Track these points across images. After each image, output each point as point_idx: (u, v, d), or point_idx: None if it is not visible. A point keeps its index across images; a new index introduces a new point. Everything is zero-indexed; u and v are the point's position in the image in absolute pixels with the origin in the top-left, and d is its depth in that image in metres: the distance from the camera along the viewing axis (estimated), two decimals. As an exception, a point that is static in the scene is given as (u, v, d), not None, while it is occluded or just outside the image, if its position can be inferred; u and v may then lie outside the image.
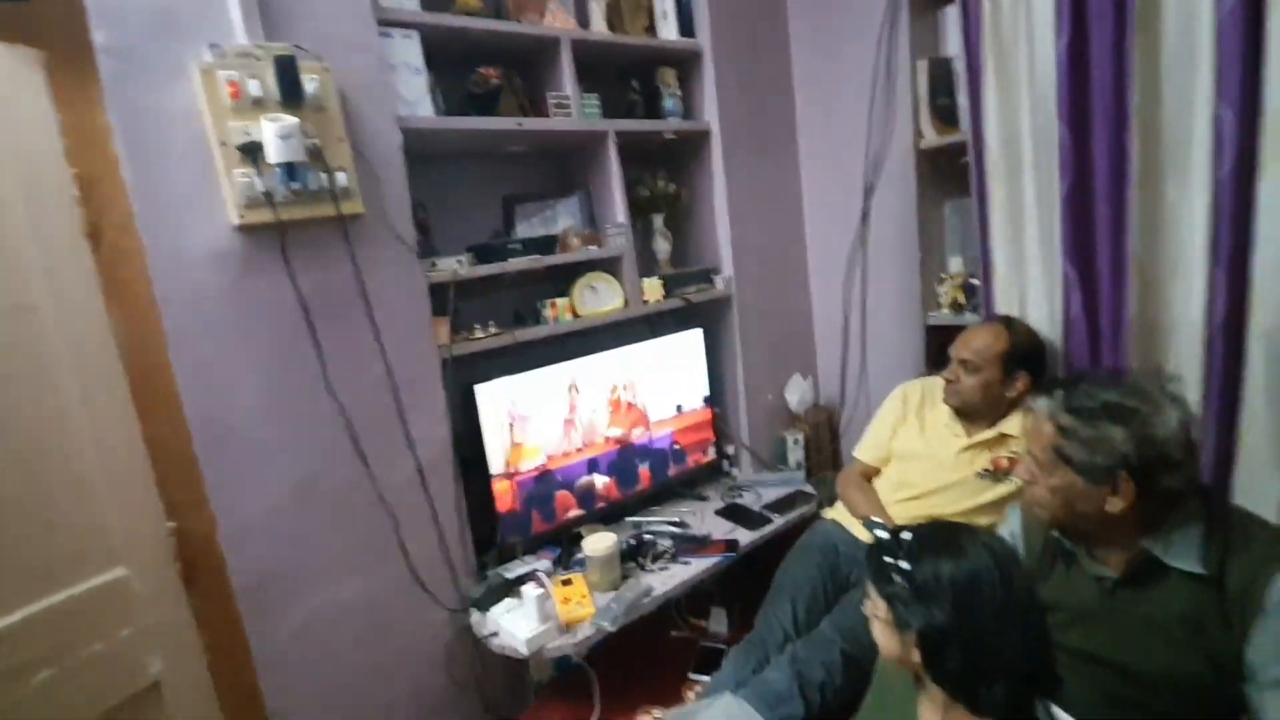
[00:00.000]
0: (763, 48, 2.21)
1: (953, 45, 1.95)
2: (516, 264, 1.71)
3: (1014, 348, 1.58)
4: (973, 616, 0.79)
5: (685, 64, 2.10)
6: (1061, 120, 1.55)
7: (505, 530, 1.73)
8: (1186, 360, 1.48)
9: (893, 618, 0.84)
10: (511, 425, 1.73)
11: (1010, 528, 1.24)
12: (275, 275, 1.33)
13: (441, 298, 1.58)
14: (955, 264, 2.04)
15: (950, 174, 1.93)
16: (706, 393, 2.14)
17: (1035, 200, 1.64)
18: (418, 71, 1.54)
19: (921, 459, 1.68)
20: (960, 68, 1.78)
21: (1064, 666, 1.10)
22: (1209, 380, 1.45)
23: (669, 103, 2.06)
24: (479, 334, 1.68)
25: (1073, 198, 1.57)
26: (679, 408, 2.09)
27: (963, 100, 1.78)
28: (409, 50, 1.53)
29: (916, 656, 0.83)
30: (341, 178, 1.35)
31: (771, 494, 2.05)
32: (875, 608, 0.88)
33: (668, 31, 2.01)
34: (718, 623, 1.85)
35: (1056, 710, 0.85)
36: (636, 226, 2.03)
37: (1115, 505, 0.98)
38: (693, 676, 1.65)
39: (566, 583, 1.61)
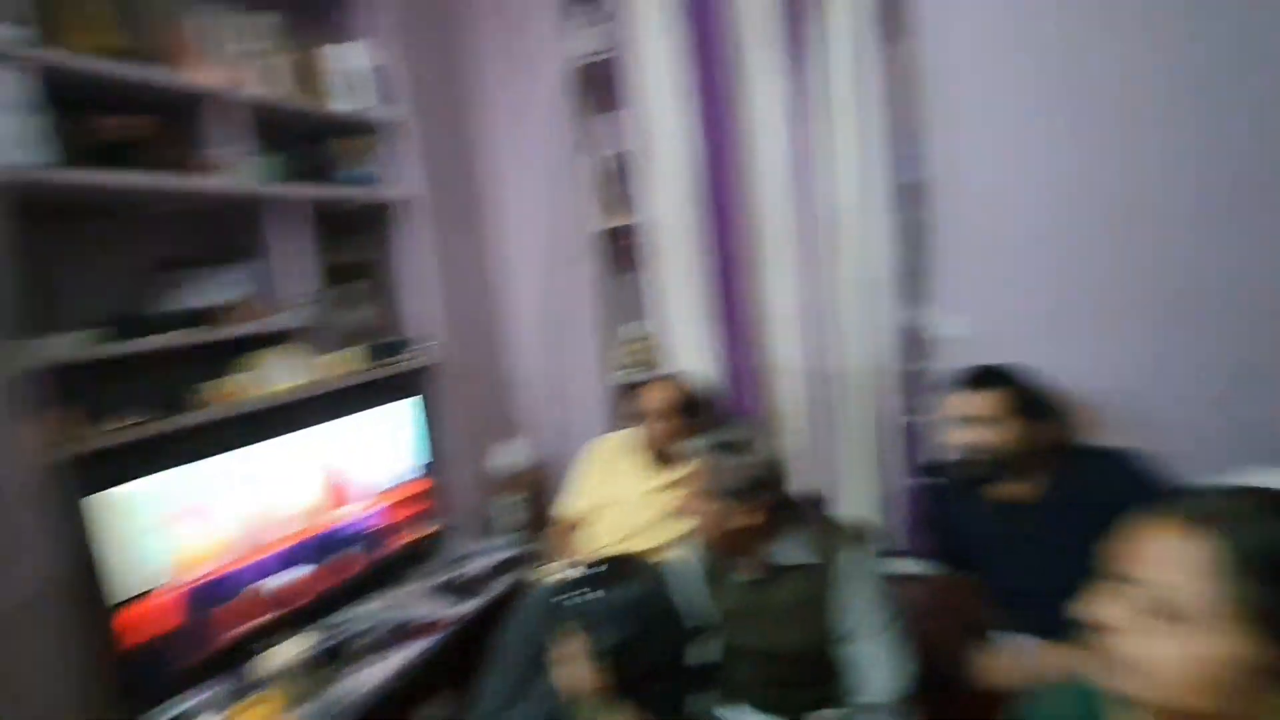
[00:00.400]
0: (461, 123, 2.32)
1: (624, 140, 2.29)
2: (167, 339, 1.47)
3: (684, 397, 1.85)
4: (649, 628, 0.91)
5: (378, 132, 2.09)
6: (703, 211, 1.94)
7: (160, 662, 1.41)
8: (795, 396, 1.91)
9: (590, 646, 0.91)
10: (175, 529, 1.44)
11: (689, 554, 1.42)
12: None
13: (63, 383, 1.28)
14: (637, 328, 2.32)
15: (628, 250, 2.23)
16: (420, 464, 2.06)
17: (690, 273, 2.00)
18: (21, 111, 1.28)
19: (620, 505, 1.84)
20: (628, 162, 2.10)
21: (734, 661, 1.29)
22: (812, 411, 1.89)
23: (359, 170, 2.02)
24: (118, 425, 1.39)
25: (715, 272, 1.95)
26: (389, 483, 1.97)
27: (633, 189, 2.10)
28: (4, 86, 1.26)
29: (608, 677, 0.90)
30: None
31: (488, 561, 2.03)
32: (570, 647, 0.93)
33: (357, 100, 1.99)
34: (440, 707, 1.73)
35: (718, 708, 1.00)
36: (331, 295, 1.91)
37: (744, 520, 1.21)
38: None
39: (248, 708, 1.37)
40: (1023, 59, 1.61)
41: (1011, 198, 1.68)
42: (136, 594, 1.38)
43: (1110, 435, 1.53)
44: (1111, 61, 1.53)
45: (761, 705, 1.27)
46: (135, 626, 1.38)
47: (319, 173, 1.95)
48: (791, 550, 1.23)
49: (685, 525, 1.75)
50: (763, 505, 1.21)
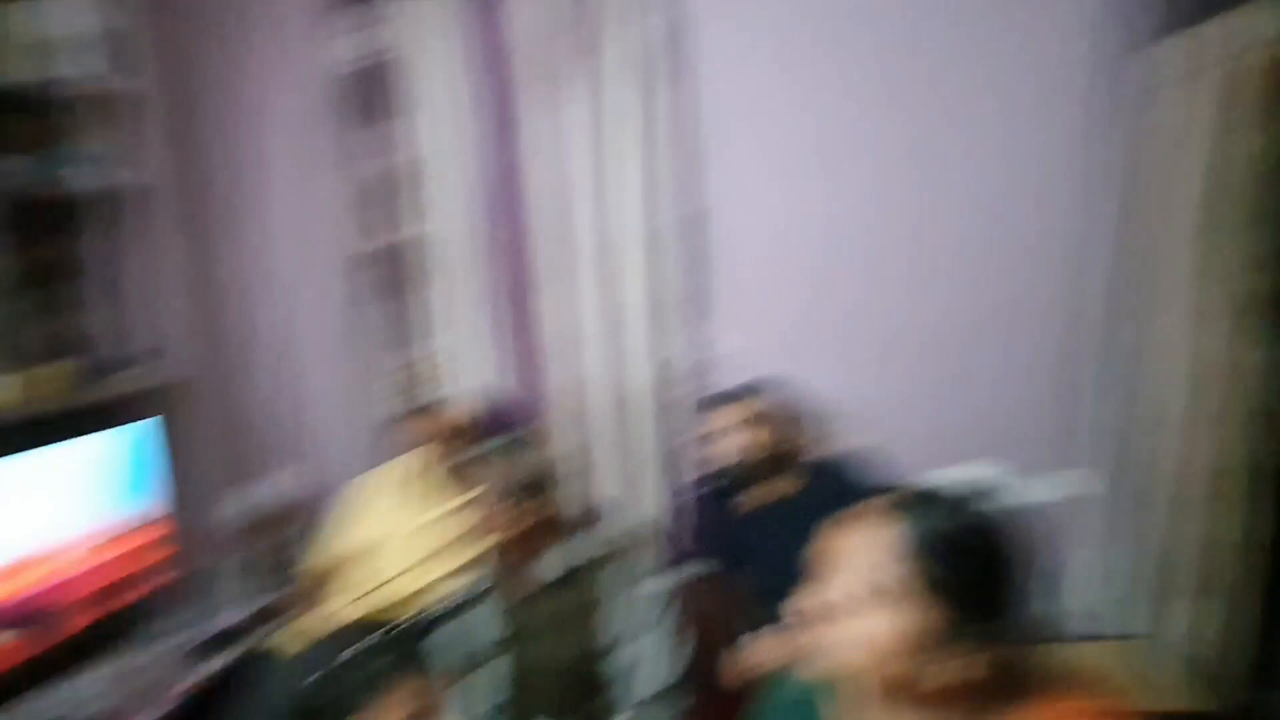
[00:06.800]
0: (210, 107, 2.01)
1: (395, 153, 2.06)
2: None
3: (463, 421, 1.79)
4: None
5: (108, 107, 1.74)
6: (486, 229, 1.90)
7: None
8: (580, 415, 1.93)
9: None
10: None
11: (472, 582, 1.38)
12: None
13: None
14: (411, 352, 2.11)
15: (399, 270, 2.05)
16: (151, 503, 1.73)
17: (471, 293, 1.95)
18: None
19: (391, 542, 1.72)
20: (399, 176, 1.97)
21: (523, 681, 1.29)
22: (599, 429, 1.93)
23: (80, 149, 1.67)
24: None
25: (499, 292, 1.92)
26: (106, 529, 1.63)
27: (404, 205, 1.97)
28: None
29: None
30: None
31: (229, 619, 1.77)
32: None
33: (72, 67, 1.65)
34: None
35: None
36: (27, 299, 1.55)
37: (530, 520, 1.25)
38: None
39: None
40: (786, 113, 1.81)
41: (780, 233, 1.84)
42: None
43: (849, 440, 1.76)
44: (864, 123, 1.75)
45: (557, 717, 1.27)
46: None
47: (19, 149, 1.57)
48: (557, 563, 1.25)
49: (468, 552, 1.69)
50: (541, 508, 1.23)
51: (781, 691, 0.87)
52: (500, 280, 1.92)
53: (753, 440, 1.53)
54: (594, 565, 1.26)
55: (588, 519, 1.35)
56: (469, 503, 1.73)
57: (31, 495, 1.47)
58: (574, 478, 1.32)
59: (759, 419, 1.55)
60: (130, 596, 1.67)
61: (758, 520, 1.59)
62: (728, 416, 1.56)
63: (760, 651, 1.42)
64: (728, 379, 1.69)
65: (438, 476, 1.74)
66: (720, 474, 1.61)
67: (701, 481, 1.78)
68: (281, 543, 2.04)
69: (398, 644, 0.88)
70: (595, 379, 1.90)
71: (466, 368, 1.99)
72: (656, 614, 1.26)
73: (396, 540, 1.71)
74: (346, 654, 0.84)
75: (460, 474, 1.75)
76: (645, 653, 1.23)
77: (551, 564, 1.25)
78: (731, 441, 1.54)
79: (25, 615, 1.44)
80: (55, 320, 1.67)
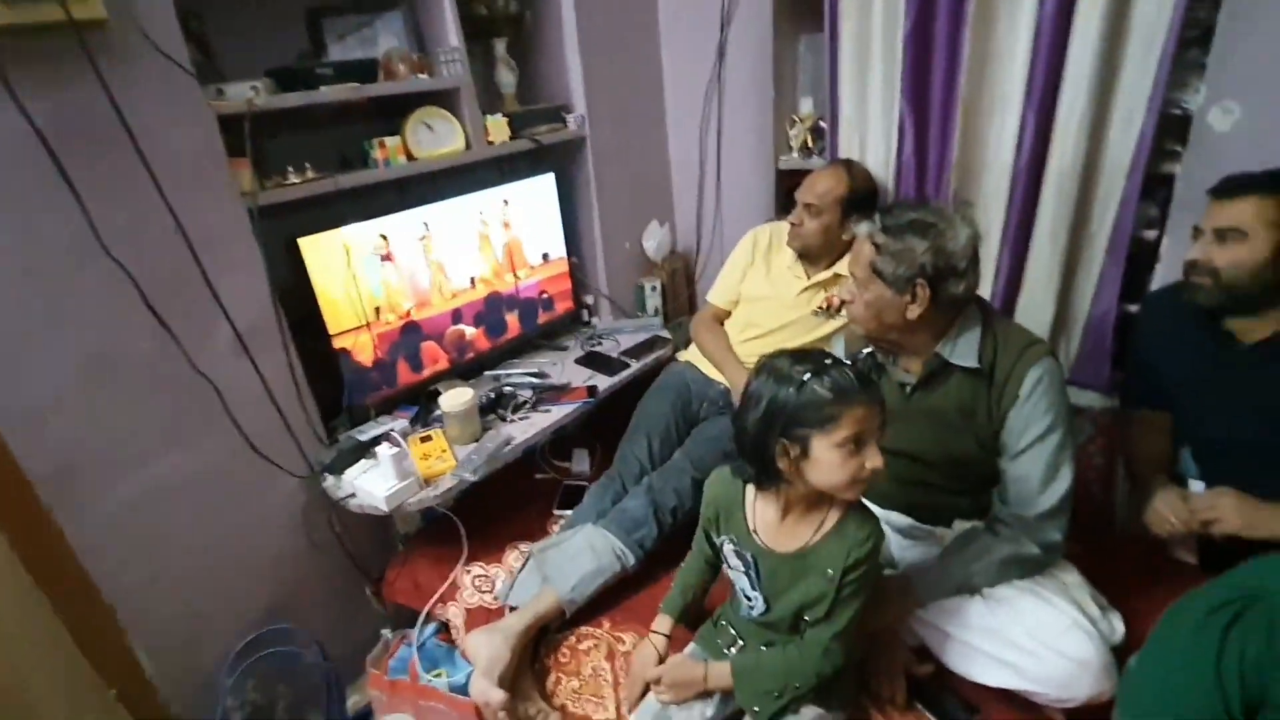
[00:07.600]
0: None
1: None
2: (330, 93, 1.46)
3: (852, 192, 1.64)
4: None
5: None
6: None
7: (354, 391, 1.64)
8: (994, 197, 1.63)
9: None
10: (353, 280, 1.58)
11: (836, 354, 1.36)
12: (-7, 99, 1.03)
13: (237, 135, 1.33)
14: (806, 106, 2.03)
15: (806, 6, 1.86)
16: (561, 240, 2.07)
17: (881, 38, 1.64)
18: None
19: (766, 300, 1.78)
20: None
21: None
22: (1009, 215, 1.61)
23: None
24: (293, 179, 1.46)
25: (914, 37, 1.58)
26: (540, 256, 2.02)
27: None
28: None
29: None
30: (64, -33, 1.03)
31: (629, 340, 2.10)
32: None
33: None
34: (580, 463, 1.94)
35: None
36: (475, 53, 1.79)
37: (914, 312, 1.10)
38: (557, 513, 1.75)
39: (425, 439, 1.59)
40: None
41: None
42: (343, 329, 1.58)
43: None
44: None
45: (895, 508, 1.28)
46: (344, 355, 1.60)
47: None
48: (964, 352, 1.13)
49: (832, 327, 1.67)
50: (927, 295, 1.08)
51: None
52: (916, 24, 1.57)
53: (1241, 250, 1.12)
54: (990, 364, 1.12)
55: (988, 312, 1.17)
56: (831, 281, 1.69)
57: (473, 227, 1.85)
58: (977, 265, 1.11)
59: (1257, 220, 1.11)
60: (545, 315, 2.09)
61: (1214, 357, 1.23)
62: (1211, 214, 1.15)
63: (1185, 508, 1.19)
64: (1227, 162, 1.22)
65: (817, 243, 1.68)
66: (1178, 289, 1.24)
67: (1159, 295, 1.40)
68: (671, 281, 2.31)
69: (858, 371, 0.94)
70: (1022, 153, 1.55)
71: (862, 129, 1.79)
72: (1057, 433, 1.10)
73: (771, 300, 1.77)
74: (817, 365, 0.93)
75: (823, 250, 1.69)
76: (1030, 469, 1.11)
77: (944, 352, 1.14)
78: (1210, 248, 1.15)
79: (482, 317, 1.91)
80: (494, 74, 1.92)
